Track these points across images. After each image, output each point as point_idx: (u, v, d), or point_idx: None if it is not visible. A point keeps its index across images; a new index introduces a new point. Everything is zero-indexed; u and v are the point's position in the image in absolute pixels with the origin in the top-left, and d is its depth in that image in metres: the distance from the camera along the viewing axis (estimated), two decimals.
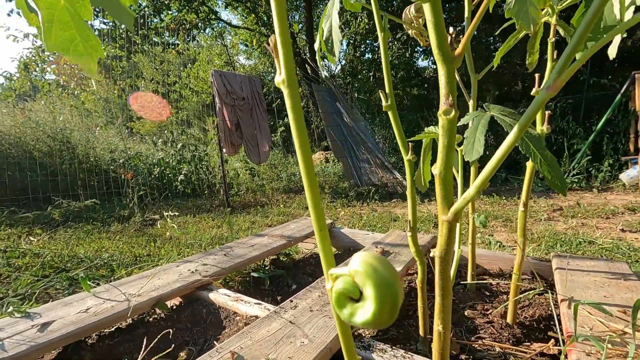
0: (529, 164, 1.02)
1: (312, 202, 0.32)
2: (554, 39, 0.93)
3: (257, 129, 4.78)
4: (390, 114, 0.87)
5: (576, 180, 4.55)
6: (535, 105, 0.42)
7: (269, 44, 0.32)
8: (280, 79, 0.31)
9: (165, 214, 1.72)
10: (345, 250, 1.94)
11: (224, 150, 4.54)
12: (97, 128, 6.13)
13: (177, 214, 2.27)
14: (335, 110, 5.76)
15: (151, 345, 0.83)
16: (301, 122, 0.31)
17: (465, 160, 0.55)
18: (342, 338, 0.37)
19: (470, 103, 1.21)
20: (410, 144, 0.88)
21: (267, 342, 0.86)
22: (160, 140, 5.59)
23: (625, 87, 4.42)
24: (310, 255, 1.96)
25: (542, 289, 1.35)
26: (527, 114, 0.42)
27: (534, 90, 0.93)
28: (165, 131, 6.45)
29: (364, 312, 0.27)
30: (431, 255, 0.61)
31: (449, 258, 0.58)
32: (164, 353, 0.89)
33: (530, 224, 2.97)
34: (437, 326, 0.59)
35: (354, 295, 0.28)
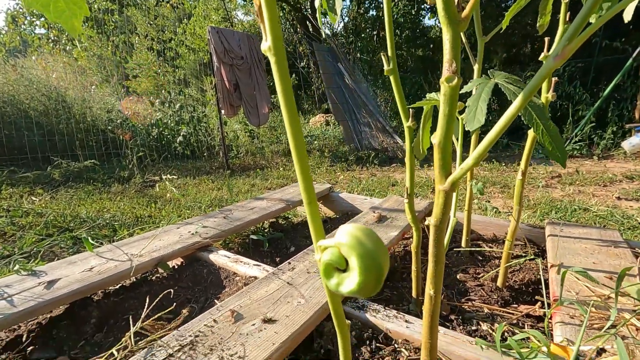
0: (531, 133, 1.01)
1: (301, 175, 0.31)
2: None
3: (257, 90, 4.67)
4: (391, 78, 0.84)
5: (577, 147, 4.53)
6: (541, 74, 0.40)
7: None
8: (266, 45, 0.29)
9: (164, 177, 1.72)
10: (343, 214, 1.97)
11: (223, 111, 4.46)
12: (92, 87, 5.98)
13: (176, 176, 2.28)
14: (336, 71, 5.59)
15: (154, 303, 0.87)
16: (289, 94, 0.30)
17: (467, 129, 0.54)
18: (331, 305, 0.38)
19: (476, 67, 1.17)
20: (410, 110, 0.86)
21: (265, 301, 0.89)
22: (157, 101, 5.48)
23: (637, 51, 4.26)
24: None
25: (533, 255, 1.39)
26: (532, 83, 0.41)
27: (542, 55, 0.89)
28: (163, 91, 6.30)
29: (350, 282, 0.27)
30: (426, 223, 0.61)
31: (443, 227, 0.58)
32: (167, 310, 0.93)
33: (528, 190, 3.00)
34: (429, 290, 0.61)
35: (340, 266, 0.29)
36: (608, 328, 0.75)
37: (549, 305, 1.02)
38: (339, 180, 3.70)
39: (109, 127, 4.85)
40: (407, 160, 0.93)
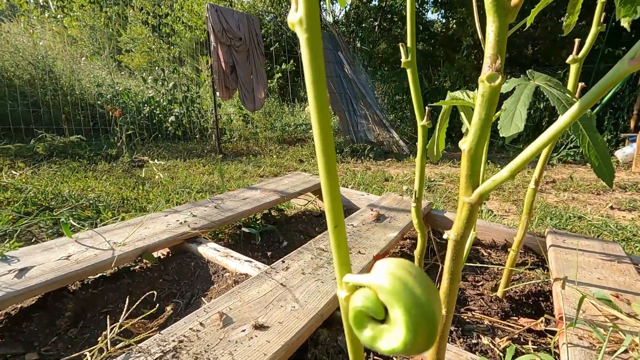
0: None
1: (329, 193, 0.24)
2: None
3: (254, 74, 4.53)
4: (409, 71, 0.77)
5: (572, 153, 4.54)
6: (608, 79, 0.34)
7: None
8: (296, 17, 0.22)
9: (152, 161, 1.63)
10: None
11: (218, 93, 4.32)
12: (83, 58, 5.74)
13: (165, 159, 2.18)
14: (336, 60, 5.47)
15: (136, 303, 0.79)
16: (321, 85, 0.23)
17: (501, 135, 0.48)
18: (351, 351, 0.31)
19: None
20: (427, 108, 0.80)
21: (257, 304, 0.83)
22: (150, 77, 5.28)
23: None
24: (302, 212, 1.92)
25: (532, 264, 1.35)
26: (594, 90, 0.34)
27: (570, 57, 0.83)
28: (156, 67, 6.08)
29: (392, 339, 0.21)
30: (445, 237, 0.55)
31: (464, 242, 0.52)
32: (149, 313, 0.86)
33: (522, 194, 2.98)
34: (442, 309, 0.55)
35: (377, 316, 0.22)
36: (621, 353, 0.71)
37: (551, 321, 0.99)
38: None
39: (98, 102, 4.67)
40: (417, 160, 0.87)
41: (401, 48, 0.76)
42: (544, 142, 0.39)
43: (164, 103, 5.00)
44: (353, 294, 0.23)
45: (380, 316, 0.22)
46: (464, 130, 0.85)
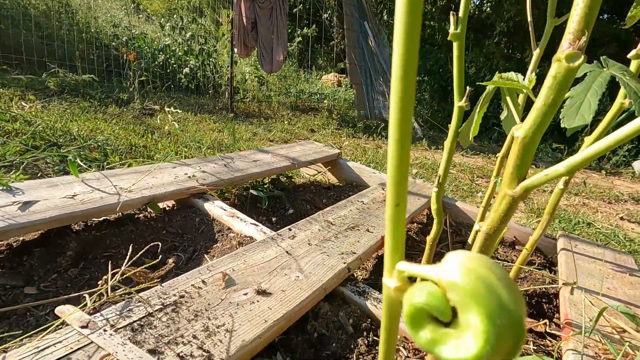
0: (588, 139, 0.89)
1: (397, 167, 0.20)
2: None
3: (275, 33, 4.36)
4: (455, 45, 0.70)
5: None
6: None
7: None
8: None
9: (167, 109, 1.58)
10: (347, 184, 1.87)
11: (236, 50, 4.18)
12: None
13: (179, 111, 2.12)
14: (361, 30, 5.24)
15: (140, 253, 0.78)
16: (413, 60, 0.18)
17: (562, 126, 0.43)
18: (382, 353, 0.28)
19: (536, 52, 1.02)
20: (468, 88, 0.73)
21: (260, 269, 0.81)
22: (168, 25, 5.11)
23: None
24: (311, 182, 1.89)
25: (539, 265, 1.33)
26: None
27: (632, 52, 0.76)
28: (175, 15, 5.88)
29: (459, 346, 0.17)
30: (477, 228, 0.51)
31: (496, 236, 0.48)
32: (153, 262, 0.85)
33: (533, 193, 2.92)
34: None
35: (441, 317, 0.19)
36: None
37: (556, 325, 0.97)
38: (344, 145, 3.57)
39: (113, 44, 4.55)
40: (447, 143, 0.82)
41: (451, 17, 0.69)
42: (617, 140, 0.34)
43: (180, 53, 4.86)
44: (412, 286, 0.20)
45: (447, 318, 0.18)
46: (502, 117, 0.79)
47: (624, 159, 4.47)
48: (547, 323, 0.94)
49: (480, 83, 0.63)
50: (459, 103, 0.75)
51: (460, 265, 0.18)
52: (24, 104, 2.58)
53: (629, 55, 0.76)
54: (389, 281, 0.22)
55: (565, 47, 0.35)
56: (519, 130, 0.43)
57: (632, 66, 0.78)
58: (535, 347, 0.88)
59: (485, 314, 0.16)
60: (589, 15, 0.34)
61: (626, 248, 2.00)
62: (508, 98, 0.65)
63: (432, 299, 0.18)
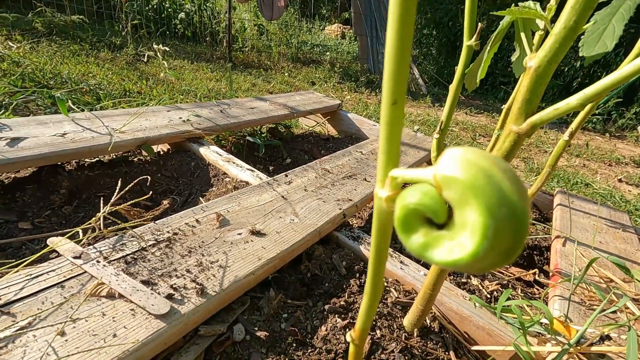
0: (625, 62, 0.85)
1: (397, 58, 0.18)
2: None
3: None
4: None
5: (594, 120, 4.34)
6: None
7: None
8: None
9: (157, 46, 1.50)
10: (347, 136, 1.84)
11: None
12: None
13: (172, 55, 2.02)
14: None
15: (132, 184, 0.76)
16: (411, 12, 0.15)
17: (581, 54, 0.39)
18: (371, 272, 0.27)
19: None
20: (479, 24, 0.68)
21: (255, 211, 0.81)
22: None
23: None
24: (309, 132, 1.85)
25: (534, 219, 1.34)
26: None
27: None
28: None
29: (453, 247, 0.16)
30: None
31: None
32: (145, 197, 0.84)
33: (534, 153, 2.90)
34: None
35: (435, 218, 0.17)
36: (610, 312, 0.71)
37: (545, 273, 0.99)
38: (345, 99, 3.47)
39: None
40: (452, 87, 0.78)
41: None
42: (633, 71, 0.31)
43: None
44: (404, 190, 0.18)
45: (441, 219, 0.17)
46: (514, 58, 0.74)
47: (630, 122, 4.39)
48: (537, 273, 0.96)
49: (494, 13, 0.58)
50: (468, 42, 0.70)
51: (459, 158, 0.16)
52: (11, 44, 2.46)
53: None
54: (381, 191, 0.20)
55: None
56: (533, 60, 0.40)
57: None
58: (522, 294, 0.91)
59: (485, 204, 0.14)
60: None
61: (621, 208, 2.02)
62: (522, 34, 0.60)
63: (426, 199, 0.16)
